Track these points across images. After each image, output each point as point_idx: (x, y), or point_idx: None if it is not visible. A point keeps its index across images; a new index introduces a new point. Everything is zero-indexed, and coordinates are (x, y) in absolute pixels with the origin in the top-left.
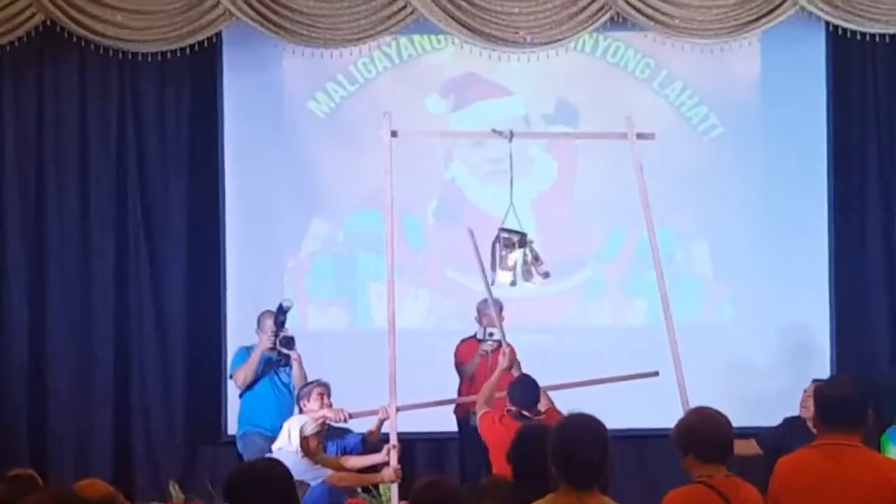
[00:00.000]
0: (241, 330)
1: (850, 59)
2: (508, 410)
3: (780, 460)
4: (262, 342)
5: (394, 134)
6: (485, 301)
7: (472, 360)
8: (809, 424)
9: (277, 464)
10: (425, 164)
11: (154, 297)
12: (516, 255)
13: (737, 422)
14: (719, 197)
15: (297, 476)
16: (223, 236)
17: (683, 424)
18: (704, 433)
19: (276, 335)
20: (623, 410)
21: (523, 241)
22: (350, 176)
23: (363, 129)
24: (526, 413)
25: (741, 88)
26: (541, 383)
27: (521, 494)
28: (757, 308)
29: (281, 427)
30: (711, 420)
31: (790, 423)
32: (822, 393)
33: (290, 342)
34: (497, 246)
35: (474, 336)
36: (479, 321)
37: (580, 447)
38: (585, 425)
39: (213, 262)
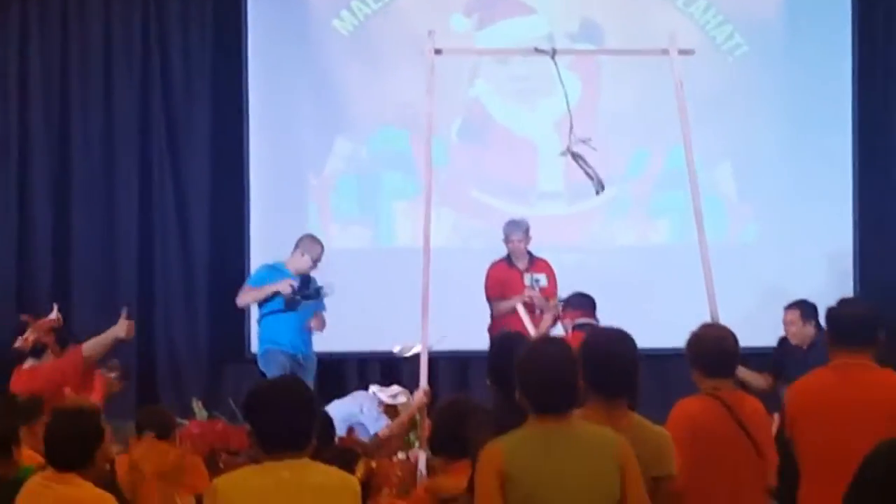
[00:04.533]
0: (265, 247)
1: None
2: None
3: (794, 383)
4: (281, 285)
5: (437, 52)
6: (511, 223)
7: (507, 302)
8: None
9: (298, 381)
10: (449, 83)
11: (178, 213)
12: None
13: (766, 341)
14: (743, 116)
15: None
16: (247, 154)
17: (690, 340)
18: (708, 348)
19: (296, 291)
20: (653, 329)
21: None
22: (375, 94)
23: (388, 47)
24: (586, 321)
25: (766, 6)
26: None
27: (499, 408)
28: (781, 227)
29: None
30: (715, 336)
31: (782, 346)
32: (833, 313)
33: (315, 293)
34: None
35: (505, 259)
36: (506, 243)
37: (614, 358)
38: (619, 338)
39: (237, 179)
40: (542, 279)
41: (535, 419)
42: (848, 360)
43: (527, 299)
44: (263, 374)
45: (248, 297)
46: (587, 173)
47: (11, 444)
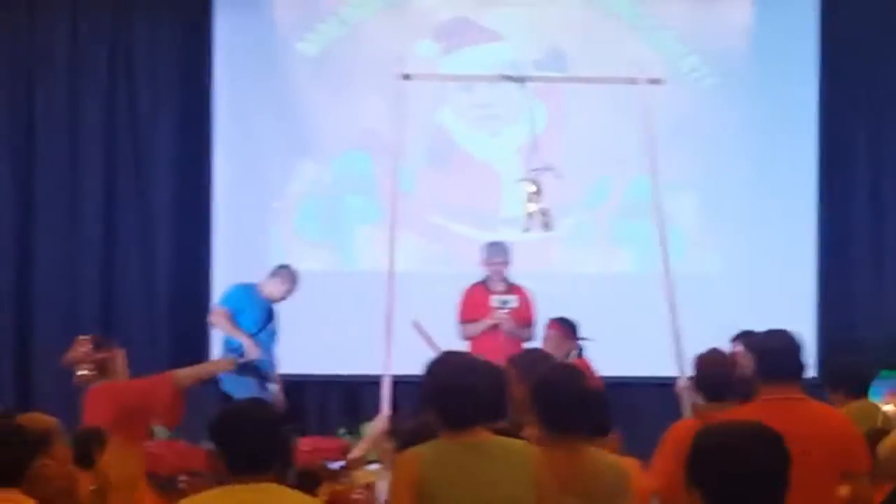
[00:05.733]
0: (228, 270)
1: (843, 7)
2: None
3: (725, 416)
4: (250, 347)
5: (406, 77)
6: (492, 245)
7: (478, 324)
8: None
9: (265, 404)
10: (414, 109)
11: (141, 236)
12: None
13: None
14: (707, 147)
15: None
16: (211, 175)
17: (693, 363)
18: (704, 374)
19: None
20: (615, 358)
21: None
22: (339, 118)
23: (353, 70)
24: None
25: (733, 37)
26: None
27: None
28: (743, 258)
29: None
30: (711, 361)
31: None
32: (760, 346)
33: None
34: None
35: (481, 282)
36: (486, 266)
37: (564, 393)
38: (568, 373)
39: (202, 201)
40: (512, 301)
41: (447, 434)
42: (778, 393)
43: (495, 321)
44: (226, 395)
45: (219, 323)
46: (530, 213)
47: (19, 476)
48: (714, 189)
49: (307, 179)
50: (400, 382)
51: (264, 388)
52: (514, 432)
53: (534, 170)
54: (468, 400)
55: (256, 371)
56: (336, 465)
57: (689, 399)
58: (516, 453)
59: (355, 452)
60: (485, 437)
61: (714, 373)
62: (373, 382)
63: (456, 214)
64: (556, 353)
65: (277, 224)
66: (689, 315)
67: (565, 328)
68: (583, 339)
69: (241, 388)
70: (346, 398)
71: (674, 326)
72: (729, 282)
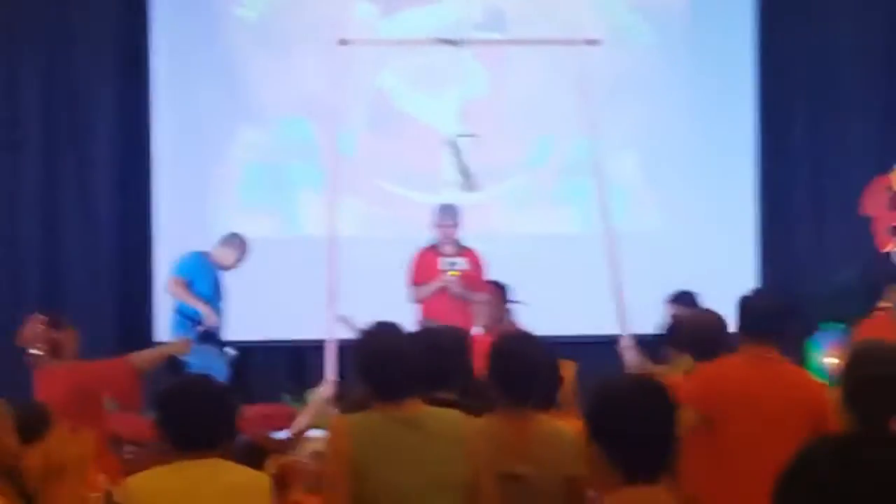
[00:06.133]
0: (171, 238)
1: None
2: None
3: (705, 367)
4: (209, 314)
5: (343, 42)
6: (442, 208)
7: (426, 287)
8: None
9: (212, 383)
10: (355, 72)
11: (82, 202)
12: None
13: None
14: (647, 105)
15: None
16: (151, 143)
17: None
18: (692, 334)
19: (205, 333)
20: (558, 317)
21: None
22: (280, 83)
23: (293, 35)
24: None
25: None
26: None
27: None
28: (685, 215)
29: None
30: (701, 321)
31: None
32: (746, 303)
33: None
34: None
35: (431, 245)
36: (436, 228)
37: (519, 361)
38: (524, 340)
39: (142, 168)
40: (460, 262)
41: (379, 405)
42: (757, 350)
43: (443, 283)
44: (181, 362)
45: (176, 292)
46: (459, 169)
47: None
48: (655, 147)
49: (249, 145)
50: (346, 347)
51: (222, 355)
52: (457, 402)
53: (459, 136)
54: (397, 371)
55: (214, 338)
56: (282, 434)
57: (631, 357)
58: (450, 425)
59: (300, 421)
60: (418, 409)
61: (703, 334)
62: (318, 348)
63: (399, 178)
64: (493, 316)
65: (220, 191)
66: (632, 273)
67: (499, 291)
68: (514, 301)
69: (198, 356)
70: (292, 364)
71: (615, 285)
72: (671, 239)
